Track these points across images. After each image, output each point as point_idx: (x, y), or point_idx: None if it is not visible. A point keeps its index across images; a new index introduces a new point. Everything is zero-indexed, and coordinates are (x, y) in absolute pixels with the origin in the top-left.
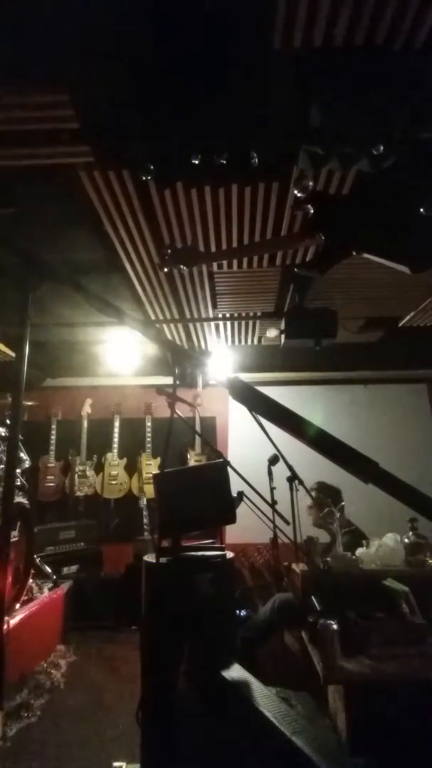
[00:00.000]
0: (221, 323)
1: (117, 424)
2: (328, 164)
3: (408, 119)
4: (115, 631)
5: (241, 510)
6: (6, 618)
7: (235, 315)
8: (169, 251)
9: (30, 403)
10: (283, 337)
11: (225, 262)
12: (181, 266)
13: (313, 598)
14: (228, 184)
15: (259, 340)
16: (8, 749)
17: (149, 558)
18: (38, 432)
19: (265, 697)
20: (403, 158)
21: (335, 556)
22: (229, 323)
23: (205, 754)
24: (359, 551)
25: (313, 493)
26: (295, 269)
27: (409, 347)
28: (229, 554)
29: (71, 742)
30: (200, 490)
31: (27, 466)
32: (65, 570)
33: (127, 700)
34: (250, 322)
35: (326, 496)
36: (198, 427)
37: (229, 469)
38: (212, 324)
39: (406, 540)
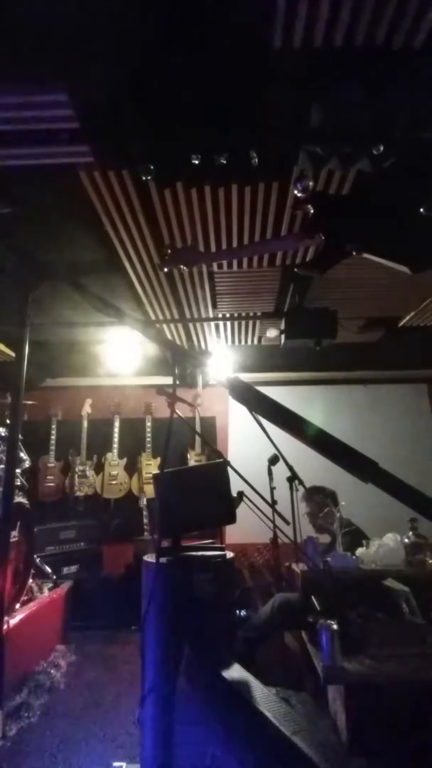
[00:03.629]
0: (221, 323)
1: (117, 424)
2: (328, 164)
3: (408, 119)
4: (115, 631)
5: (241, 510)
6: (6, 618)
7: (235, 315)
8: (169, 251)
9: (30, 403)
10: (283, 337)
11: (225, 262)
12: (181, 266)
13: (313, 598)
14: (228, 184)
15: (259, 340)
16: (8, 749)
17: (149, 558)
18: (38, 432)
19: (265, 697)
20: (403, 158)
21: (335, 556)
22: (229, 323)
23: (205, 754)
24: (359, 551)
25: (305, 504)
26: (295, 269)
27: (409, 347)
28: (229, 554)
29: (71, 742)
30: (200, 490)
31: (27, 466)
32: (65, 570)
33: (127, 700)
34: (250, 322)
35: (325, 497)
36: (198, 427)
37: (229, 469)
38: (212, 324)
39: (406, 540)
